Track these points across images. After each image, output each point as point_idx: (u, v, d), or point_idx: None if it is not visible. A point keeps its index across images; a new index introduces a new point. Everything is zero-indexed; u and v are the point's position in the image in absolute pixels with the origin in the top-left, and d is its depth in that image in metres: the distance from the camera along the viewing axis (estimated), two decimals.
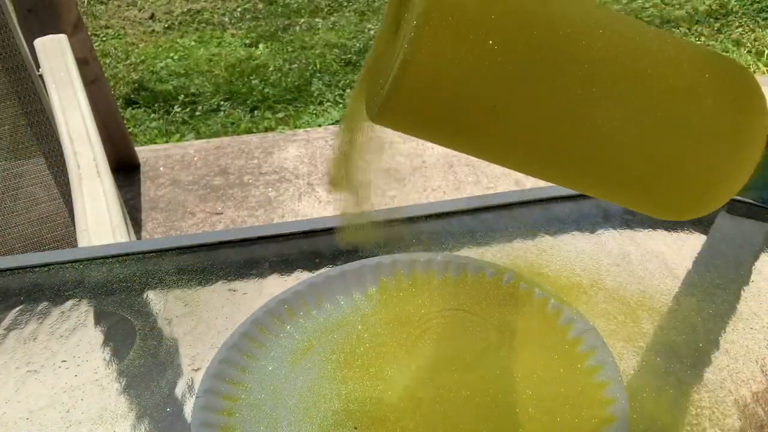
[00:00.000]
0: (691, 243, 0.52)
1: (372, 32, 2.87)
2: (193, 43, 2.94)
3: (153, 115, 2.43)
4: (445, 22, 0.26)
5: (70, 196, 0.95)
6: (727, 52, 2.42)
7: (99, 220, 0.87)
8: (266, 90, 2.50)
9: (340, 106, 2.38)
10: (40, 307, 0.53)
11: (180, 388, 0.44)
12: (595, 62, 0.28)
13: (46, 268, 0.57)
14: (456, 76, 0.27)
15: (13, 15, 1.07)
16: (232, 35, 3.00)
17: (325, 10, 3.20)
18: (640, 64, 0.29)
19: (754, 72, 2.31)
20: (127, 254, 0.58)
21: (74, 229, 0.92)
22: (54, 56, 1.09)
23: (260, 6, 3.30)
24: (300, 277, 0.52)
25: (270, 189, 1.95)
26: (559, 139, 0.29)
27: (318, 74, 2.59)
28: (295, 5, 3.28)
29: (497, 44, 0.26)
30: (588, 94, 0.28)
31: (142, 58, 2.84)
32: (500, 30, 0.27)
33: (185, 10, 3.28)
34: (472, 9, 0.26)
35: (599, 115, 0.28)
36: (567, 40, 0.28)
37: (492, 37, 0.26)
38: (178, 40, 2.99)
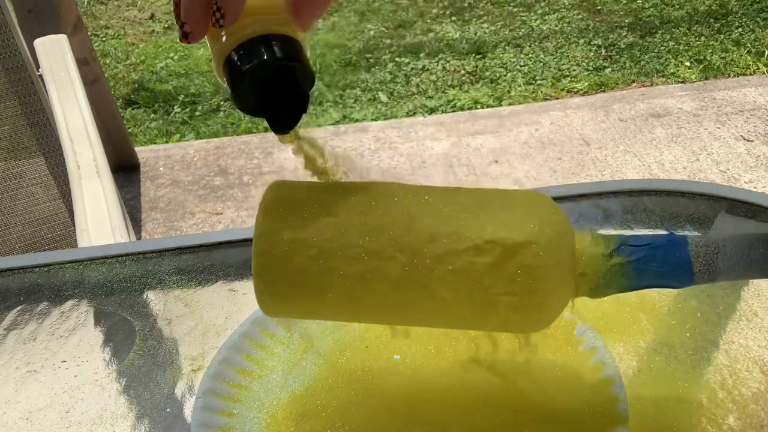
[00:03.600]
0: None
1: (372, 32, 2.87)
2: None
3: (153, 115, 2.43)
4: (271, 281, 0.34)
5: (69, 196, 0.95)
6: (727, 52, 2.43)
7: (99, 220, 0.87)
8: None
9: (340, 106, 2.38)
10: (40, 308, 0.53)
11: (180, 389, 0.44)
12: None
13: (45, 269, 0.57)
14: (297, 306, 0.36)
15: (13, 15, 1.07)
16: None
17: None
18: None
19: (754, 72, 2.31)
20: (127, 254, 0.58)
21: (74, 229, 0.92)
22: (54, 56, 1.09)
23: None
24: None
25: None
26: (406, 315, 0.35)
27: (318, 74, 2.59)
28: None
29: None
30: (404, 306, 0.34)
31: (142, 58, 2.84)
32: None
33: None
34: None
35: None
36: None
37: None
38: (178, 40, 2.99)
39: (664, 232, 0.34)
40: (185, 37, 0.33)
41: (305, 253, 0.33)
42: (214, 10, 0.31)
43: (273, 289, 0.34)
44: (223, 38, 0.33)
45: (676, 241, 0.34)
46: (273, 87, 0.32)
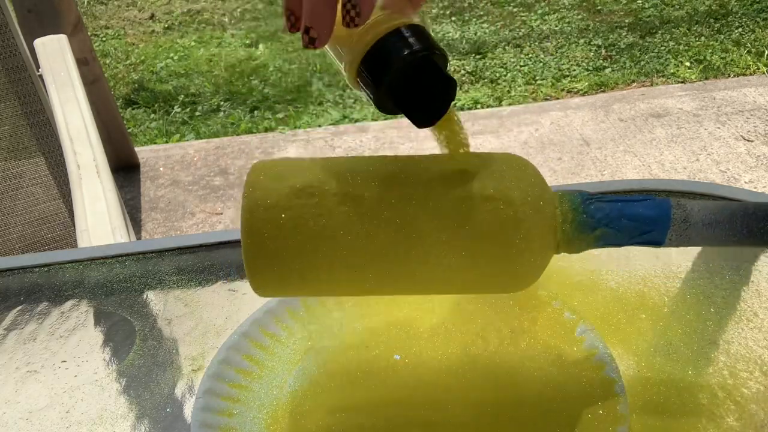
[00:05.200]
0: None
1: None
2: (193, 44, 2.94)
3: (153, 115, 2.43)
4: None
5: (69, 196, 0.95)
6: (727, 52, 2.42)
7: (99, 220, 0.87)
8: (266, 90, 2.50)
9: (340, 106, 2.37)
10: (39, 308, 0.53)
11: (180, 389, 0.44)
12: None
13: (46, 269, 0.57)
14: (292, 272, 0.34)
15: (13, 15, 1.07)
16: (232, 35, 3.00)
17: None
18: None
19: (754, 72, 2.31)
20: (127, 254, 0.58)
21: (74, 229, 0.92)
22: (54, 56, 1.09)
23: (260, 6, 3.30)
24: None
25: None
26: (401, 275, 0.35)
27: (318, 74, 2.59)
28: None
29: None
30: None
31: (142, 58, 2.84)
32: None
33: (185, 10, 3.28)
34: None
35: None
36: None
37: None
38: (178, 40, 2.99)
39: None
40: (311, 42, 0.31)
41: (292, 201, 0.33)
42: (348, 9, 0.30)
43: (263, 246, 0.33)
44: (354, 39, 0.32)
45: (653, 198, 0.35)
46: (420, 80, 0.31)
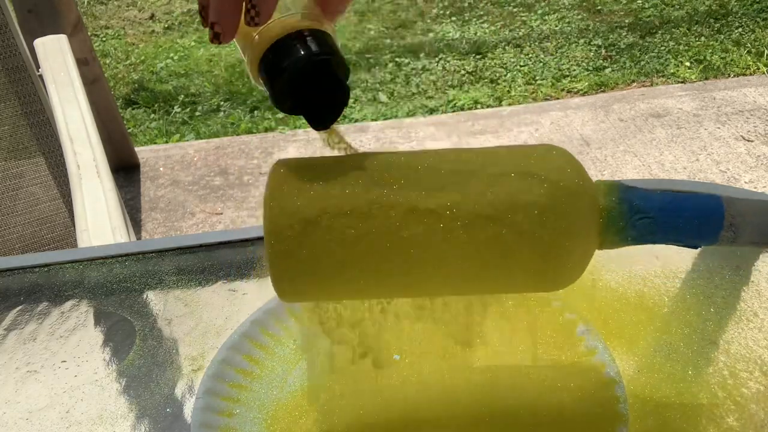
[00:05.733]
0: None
1: (372, 32, 2.87)
2: (193, 44, 2.94)
3: (153, 115, 2.43)
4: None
5: (69, 196, 0.95)
6: (727, 52, 2.42)
7: (99, 221, 0.87)
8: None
9: None
10: (40, 308, 0.53)
11: (180, 389, 0.44)
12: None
13: (45, 269, 0.57)
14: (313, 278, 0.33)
15: (13, 15, 1.07)
16: None
17: None
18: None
19: (754, 72, 2.31)
20: (127, 254, 0.58)
21: (74, 229, 0.92)
22: (54, 56, 1.09)
23: None
24: None
25: None
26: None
27: None
28: None
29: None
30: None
31: (142, 58, 2.84)
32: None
33: (185, 10, 3.27)
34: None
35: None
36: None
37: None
38: (178, 40, 2.99)
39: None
40: (216, 37, 0.32)
41: (320, 212, 0.31)
42: (248, 8, 0.31)
43: (289, 255, 0.32)
44: (256, 38, 0.33)
45: (705, 197, 0.33)
46: (314, 82, 0.32)
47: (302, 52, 0.32)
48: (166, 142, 2.27)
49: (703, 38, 2.55)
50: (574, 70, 2.44)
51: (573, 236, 0.32)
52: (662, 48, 2.52)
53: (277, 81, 0.32)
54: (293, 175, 0.33)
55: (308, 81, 0.32)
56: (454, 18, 2.91)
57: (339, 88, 0.33)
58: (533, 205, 0.31)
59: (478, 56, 2.59)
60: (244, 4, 0.31)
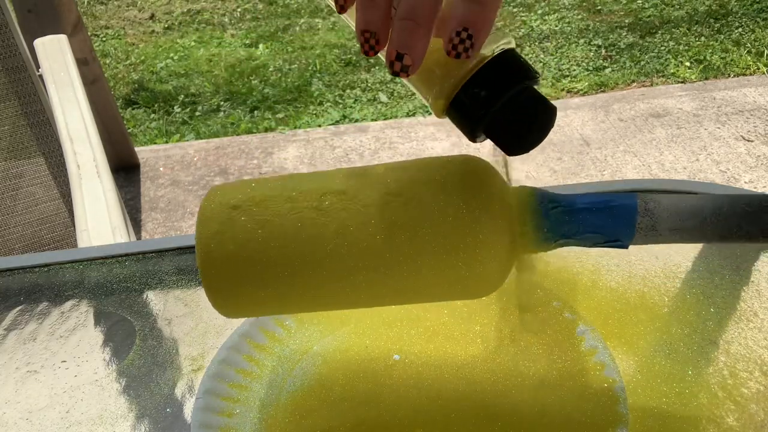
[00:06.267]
0: (691, 243, 0.52)
1: None
2: (193, 44, 2.94)
3: (153, 115, 2.43)
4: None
5: (69, 196, 0.95)
6: (727, 52, 2.43)
7: (99, 221, 0.87)
8: (266, 90, 2.50)
9: (340, 106, 2.38)
10: (40, 308, 0.53)
11: (180, 389, 0.44)
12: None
13: (46, 269, 0.57)
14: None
15: (13, 15, 1.07)
16: (232, 35, 3.00)
17: (325, 10, 3.20)
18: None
19: (754, 72, 2.31)
20: (127, 254, 0.58)
21: (74, 229, 0.92)
22: (54, 56, 1.09)
23: (260, 6, 3.30)
24: None
25: None
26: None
27: (318, 74, 2.59)
28: (295, 5, 3.28)
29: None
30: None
31: (142, 58, 2.84)
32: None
33: (185, 10, 3.28)
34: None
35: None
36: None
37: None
38: (178, 40, 2.99)
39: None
40: (404, 71, 0.28)
41: (243, 222, 0.34)
42: (462, 38, 0.28)
43: (220, 263, 0.35)
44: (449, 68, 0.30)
45: (619, 197, 0.33)
46: (527, 110, 0.31)
47: (514, 81, 0.30)
48: (166, 142, 2.27)
49: (703, 38, 2.55)
50: (574, 70, 2.44)
51: (478, 210, 0.32)
52: (662, 48, 2.52)
53: (488, 113, 0.30)
54: (225, 186, 0.37)
55: (521, 109, 0.31)
56: None
57: (550, 111, 0.31)
58: (434, 182, 0.33)
59: None
60: (447, 33, 0.28)
